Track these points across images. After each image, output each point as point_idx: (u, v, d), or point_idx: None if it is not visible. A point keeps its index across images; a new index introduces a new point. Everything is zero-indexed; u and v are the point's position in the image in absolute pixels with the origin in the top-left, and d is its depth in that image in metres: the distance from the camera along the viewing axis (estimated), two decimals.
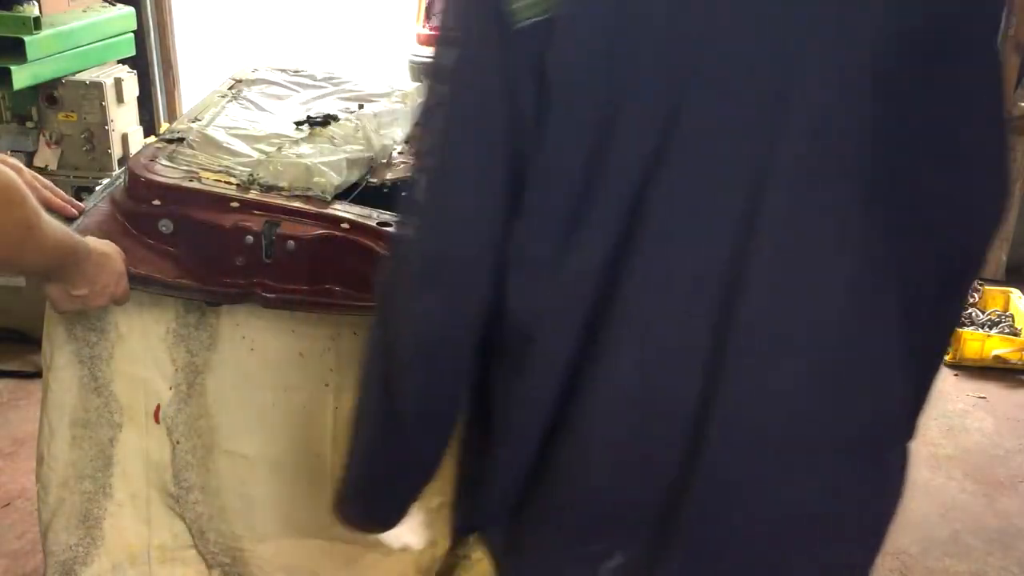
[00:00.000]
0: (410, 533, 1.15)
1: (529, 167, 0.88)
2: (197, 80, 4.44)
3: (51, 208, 1.48)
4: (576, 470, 0.96)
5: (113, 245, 1.38)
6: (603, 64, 0.83)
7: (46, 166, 2.95)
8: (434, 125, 0.95)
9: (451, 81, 0.92)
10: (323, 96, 1.99)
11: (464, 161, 0.92)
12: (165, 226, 1.44)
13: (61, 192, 1.51)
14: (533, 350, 0.94)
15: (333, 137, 1.68)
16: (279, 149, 1.63)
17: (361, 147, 1.66)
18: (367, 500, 1.13)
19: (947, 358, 3.25)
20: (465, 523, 1.14)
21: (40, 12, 2.78)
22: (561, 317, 0.92)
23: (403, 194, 1.02)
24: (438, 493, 1.59)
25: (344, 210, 1.48)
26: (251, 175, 1.52)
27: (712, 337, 0.88)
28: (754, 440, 0.91)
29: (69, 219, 1.51)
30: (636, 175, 0.86)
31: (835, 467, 0.94)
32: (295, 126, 1.76)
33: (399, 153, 1.78)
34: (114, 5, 3.23)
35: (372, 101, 1.94)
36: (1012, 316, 3.64)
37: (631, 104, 0.84)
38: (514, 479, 1.00)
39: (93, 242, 1.34)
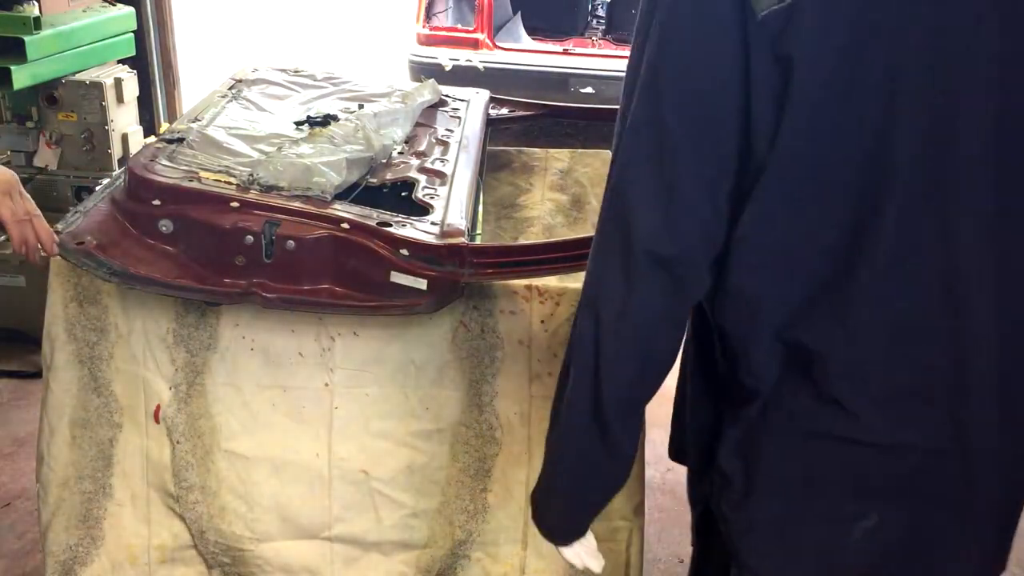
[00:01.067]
0: (592, 557, 1.17)
1: (760, 157, 0.90)
2: (197, 80, 4.44)
3: None
4: (832, 425, 0.97)
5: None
6: (843, 39, 0.86)
7: (46, 166, 2.95)
8: (647, 118, 0.93)
9: (675, 77, 0.91)
10: (323, 96, 1.99)
11: (694, 158, 0.92)
12: (165, 226, 1.44)
13: None
14: (754, 327, 0.98)
15: (333, 137, 1.68)
16: (279, 149, 1.63)
17: (361, 147, 1.66)
18: (564, 504, 1.15)
19: None
20: (699, 490, 1.17)
21: (40, 12, 2.77)
22: (786, 298, 0.95)
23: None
24: (439, 493, 1.60)
25: (344, 210, 1.48)
26: (251, 175, 1.52)
27: (952, 314, 0.92)
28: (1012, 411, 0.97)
29: None
30: (876, 152, 0.88)
31: None
32: (295, 126, 1.76)
33: (399, 153, 1.78)
34: (114, 5, 3.22)
35: (372, 101, 1.94)
36: None
37: (869, 81, 0.87)
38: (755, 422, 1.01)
39: None
